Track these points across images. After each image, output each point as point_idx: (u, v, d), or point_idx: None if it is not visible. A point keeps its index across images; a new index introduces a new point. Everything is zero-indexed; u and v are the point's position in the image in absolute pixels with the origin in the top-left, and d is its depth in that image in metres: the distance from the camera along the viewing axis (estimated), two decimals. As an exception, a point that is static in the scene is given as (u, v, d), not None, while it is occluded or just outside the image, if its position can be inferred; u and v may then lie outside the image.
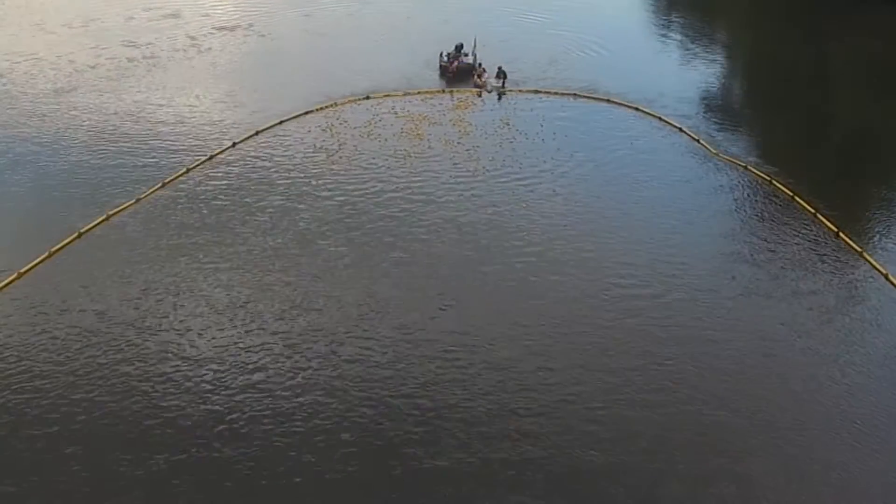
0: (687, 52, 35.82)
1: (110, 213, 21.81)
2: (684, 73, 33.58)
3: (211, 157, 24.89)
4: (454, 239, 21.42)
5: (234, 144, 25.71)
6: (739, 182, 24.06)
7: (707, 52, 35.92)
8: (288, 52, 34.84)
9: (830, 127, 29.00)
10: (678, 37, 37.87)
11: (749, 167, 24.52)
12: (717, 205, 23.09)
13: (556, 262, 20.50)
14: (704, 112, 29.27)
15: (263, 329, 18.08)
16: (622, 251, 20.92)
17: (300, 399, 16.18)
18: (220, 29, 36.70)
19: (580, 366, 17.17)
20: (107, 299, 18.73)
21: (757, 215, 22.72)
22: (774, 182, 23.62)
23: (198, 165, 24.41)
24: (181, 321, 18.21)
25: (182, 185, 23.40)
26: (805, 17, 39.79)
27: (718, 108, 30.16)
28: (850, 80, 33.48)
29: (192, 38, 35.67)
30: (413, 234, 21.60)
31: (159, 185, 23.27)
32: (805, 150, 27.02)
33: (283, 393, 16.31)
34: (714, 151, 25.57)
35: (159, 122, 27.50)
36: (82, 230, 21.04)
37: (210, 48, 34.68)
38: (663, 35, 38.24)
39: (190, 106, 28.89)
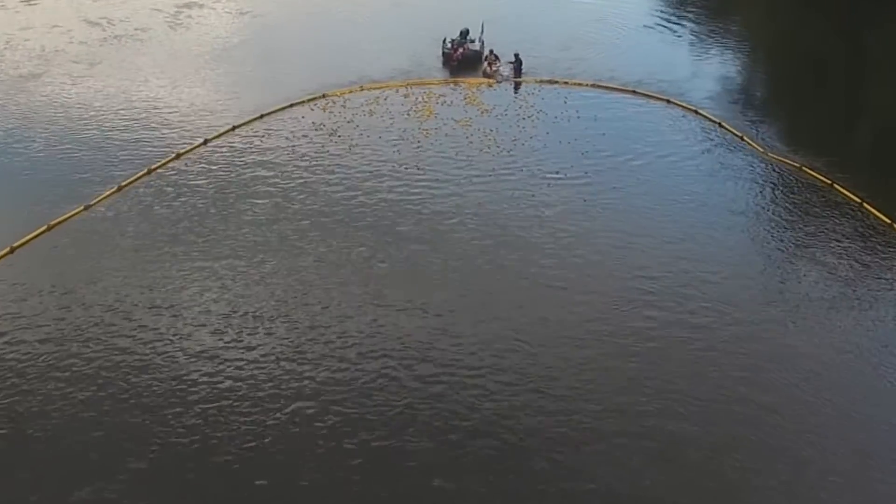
0: (709, 39, 32.01)
1: (52, 223, 18.35)
2: (709, 62, 29.86)
3: (178, 156, 21.42)
4: (468, 232, 18.49)
5: (205, 142, 22.23)
6: (794, 184, 20.56)
7: (731, 40, 32.15)
8: (270, 32, 31.40)
9: (884, 122, 25.51)
10: (698, 23, 33.95)
11: (804, 167, 21.02)
12: (770, 208, 19.66)
13: (582, 265, 17.47)
14: (740, 105, 25.68)
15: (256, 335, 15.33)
16: (658, 255, 17.73)
17: (300, 406, 13.75)
18: (199, 5, 33.33)
19: (614, 382, 14.45)
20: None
21: (818, 221, 19.16)
22: (836, 186, 20.14)
23: (160, 166, 20.92)
24: (144, 342, 14.94)
25: (140, 190, 19.92)
26: (835, 2, 36.11)
27: (753, 101, 26.69)
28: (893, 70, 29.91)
29: (168, 14, 32.47)
30: (419, 228, 18.64)
31: (115, 188, 19.80)
32: (865, 150, 23.55)
33: (279, 399, 13.87)
34: (761, 149, 22.08)
35: (124, 116, 23.92)
36: (15, 245, 17.59)
37: (188, 27, 31.58)
38: (681, 20, 34.25)
39: (158, 97, 25.36)
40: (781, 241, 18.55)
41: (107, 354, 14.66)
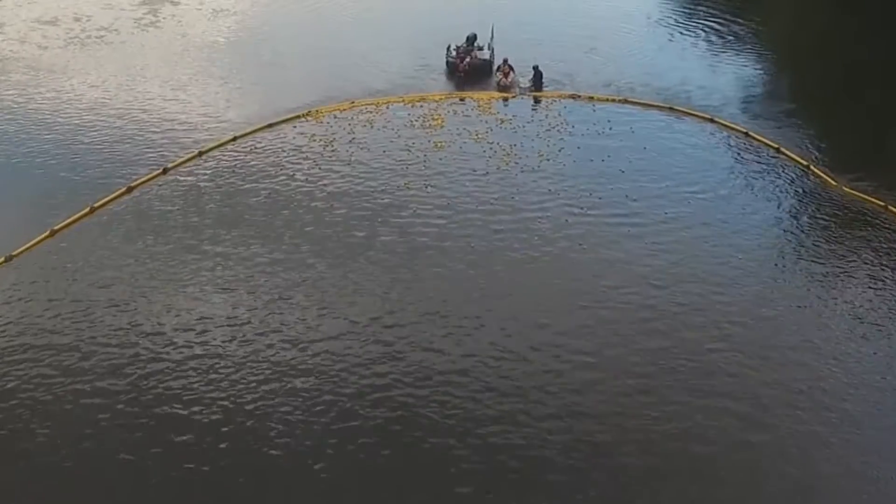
0: (736, 45, 28.09)
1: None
2: (747, 69, 26.08)
3: (129, 190, 17.75)
4: (489, 277, 15.33)
5: (164, 171, 18.58)
6: (880, 226, 16.84)
7: (766, 43, 28.50)
8: (249, 35, 27.79)
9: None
10: (720, 27, 29.94)
11: (891, 206, 17.32)
12: (855, 260, 15.84)
13: (634, 336, 13.84)
14: (794, 121, 21.89)
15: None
16: (726, 323, 14.20)
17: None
18: (172, 2, 29.96)
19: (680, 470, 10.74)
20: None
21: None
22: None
23: (105, 203, 17.20)
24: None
25: (75, 233, 16.21)
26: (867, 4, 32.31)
27: (808, 118, 22.56)
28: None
29: (137, 14, 29.12)
30: (428, 272, 15.50)
31: (47, 232, 16.09)
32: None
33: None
34: (833, 181, 18.38)
35: (79, 137, 20.32)
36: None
37: (160, 28, 28.10)
38: (700, 24, 30.35)
39: (124, 112, 21.70)
40: (869, 301, 14.87)
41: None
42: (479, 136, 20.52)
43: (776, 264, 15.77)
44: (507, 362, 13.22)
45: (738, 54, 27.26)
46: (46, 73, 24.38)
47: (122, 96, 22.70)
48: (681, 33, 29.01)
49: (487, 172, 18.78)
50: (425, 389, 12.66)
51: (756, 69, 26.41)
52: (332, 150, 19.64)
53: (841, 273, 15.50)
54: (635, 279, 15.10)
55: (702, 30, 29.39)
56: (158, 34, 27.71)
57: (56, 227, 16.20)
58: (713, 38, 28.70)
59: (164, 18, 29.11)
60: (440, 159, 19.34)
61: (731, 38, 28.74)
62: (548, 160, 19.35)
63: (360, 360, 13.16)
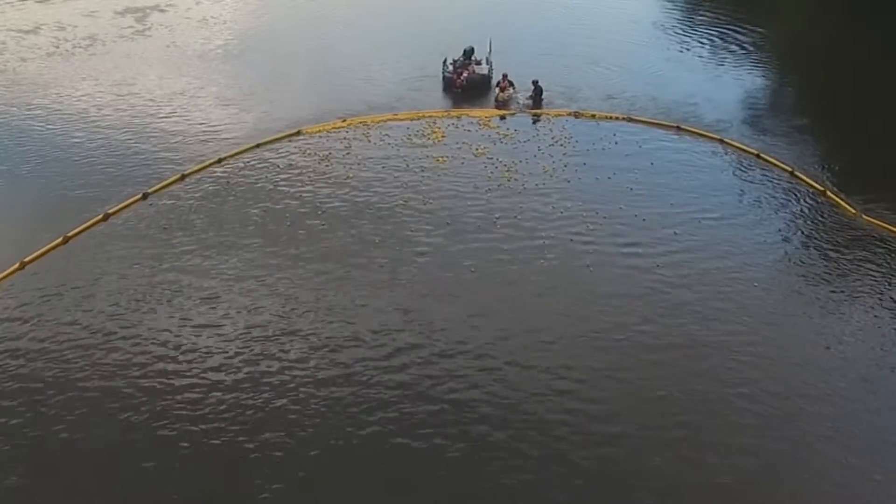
0: (742, 54, 27.07)
1: None
2: (752, 83, 25.16)
3: (106, 217, 16.71)
4: (486, 288, 14.51)
5: (144, 196, 17.55)
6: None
7: (767, 55, 27.43)
8: (237, 45, 27.00)
9: None
10: (726, 35, 28.85)
11: (913, 237, 16.31)
12: (882, 299, 14.81)
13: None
14: (809, 141, 20.89)
15: None
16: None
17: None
18: (160, 10, 29.04)
19: None
20: None
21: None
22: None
23: (80, 232, 16.17)
24: None
25: (47, 263, 15.20)
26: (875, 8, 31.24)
27: (823, 139, 21.50)
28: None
29: (125, 22, 28.24)
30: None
31: (17, 265, 15.08)
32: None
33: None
34: (852, 209, 17.37)
35: (55, 161, 19.26)
36: None
37: (148, 38, 27.35)
38: (706, 32, 29.26)
39: (98, 133, 20.67)
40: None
41: None
42: (480, 151, 19.63)
43: (794, 298, 14.76)
44: (507, 403, 12.22)
45: (744, 64, 26.31)
46: (28, 86, 23.44)
47: (108, 111, 21.75)
48: (686, 42, 28.11)
49: (489, 190, 17.90)
50: (418, 428, 11.72)
51: (764, 80, 25.49)
52: (328, 166, 18.80)
53: (866, 309, 14.46)
54: (645, 310, 14.12)
55: (707, 38, 28.47)
56: (146, 44, 26.82)
57: (27, 259, 15.16)
58: (719, 47, 27.77)
59: (151, 27, 28.22)
60: (439, 176, 18.46)
61: (737, 47, 27.79)
62: (551, 177, 18.46)
63: (351, 389, 12.24)
